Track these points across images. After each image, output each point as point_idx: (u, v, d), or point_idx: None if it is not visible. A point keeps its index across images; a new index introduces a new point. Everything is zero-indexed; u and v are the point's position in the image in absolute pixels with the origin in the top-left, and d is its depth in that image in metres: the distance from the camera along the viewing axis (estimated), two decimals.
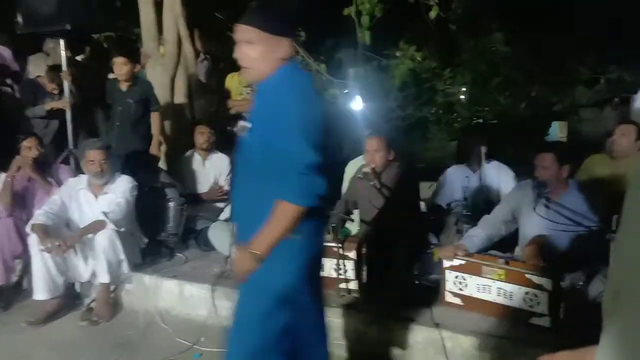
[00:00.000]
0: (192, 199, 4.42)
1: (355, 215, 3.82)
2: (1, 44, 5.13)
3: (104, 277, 3.37)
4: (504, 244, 3.19)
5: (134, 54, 4.82)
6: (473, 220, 3.43)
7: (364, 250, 3.03)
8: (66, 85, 4.46)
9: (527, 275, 2.55)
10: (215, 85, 5.73)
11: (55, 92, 4.66)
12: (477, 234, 3.03)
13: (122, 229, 3.44)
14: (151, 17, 5.42)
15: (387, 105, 10.01)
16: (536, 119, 10.01)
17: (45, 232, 3.30)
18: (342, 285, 3.03)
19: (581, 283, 2.58)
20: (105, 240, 3.33)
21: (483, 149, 3.66)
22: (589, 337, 0.88)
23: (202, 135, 4.60)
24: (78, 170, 4.04)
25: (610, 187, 3.16)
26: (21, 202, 3.85)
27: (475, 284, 2.74)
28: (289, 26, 1.86)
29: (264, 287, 1.74)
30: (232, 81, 5.37)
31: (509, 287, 2.63)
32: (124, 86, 4.49)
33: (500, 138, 8.76)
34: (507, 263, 2.65)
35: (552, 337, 2.42)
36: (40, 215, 3.43)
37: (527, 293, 2.56)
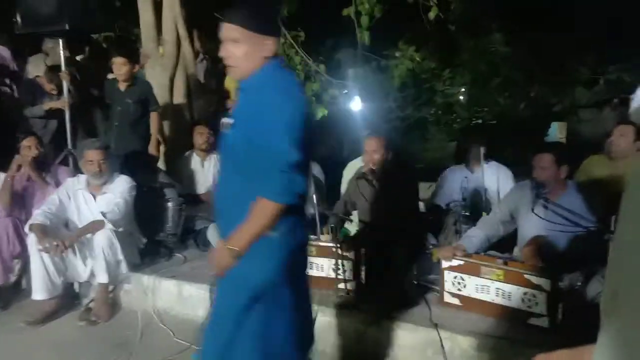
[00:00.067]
0: (191, 199, 4.42)
1: (354, 215, 3.82)
2: (0, 43, 5.12)
3: (102, 277, 3.37)
4: (503, 245, 3.20)
5: (133, 54, 4.82)
6: (472, 220, 3.44)
7: (362, 250, 3.03)
8: (65, 85, 4.45)
9: (525, 276, 2.56)
10: (214, 85, 5.73)
11: (54, 92, 4.66)
12: (476, 235, 3.03)
13: (121, 229, 3.44)
14: (150, 17, 5.42)
15: (386, 105, 10.02)
16: (536, 119, 10.02)
17: (43, 232, 3.30)
18: (341, 286, 3.03)
19: (579, 283, 2.58)
20: (103, 240, 3.33)
21: (482, 150, 3.66)
22: (588, 337, 0.87)
23: (201, 135, 4.60)
24: (77, 170, 4.04)
25: (609, 187, 3.16)
26: (20, 202, 3.85)
27: (473, 284, 2.74)
28: (273, 25, 1.88)
29: (242, 283, 1.76)
30: (231, 81, 5.36)
31: (507, 287, 2.63)
32: (122, 86, 4.49)
33: (500, 138, 8.77)
34: (505, 263, 2.65)
35: (550, 338, 2.42)
36: (38, 215, 3.43)
37: (525, 293, 2.56)
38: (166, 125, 5.40)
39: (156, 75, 5.33)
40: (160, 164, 5.05)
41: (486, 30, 9.95)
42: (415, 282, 2.97)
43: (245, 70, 1.80)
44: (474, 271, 2.73)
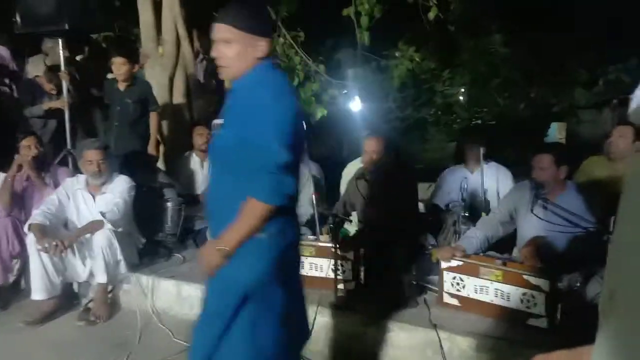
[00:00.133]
0: (190, 199, 4.42)
1: (354, 216, 3.82)
2: (0, 43, 5.12)
3: (101, 277, 3.37)
4: (502, 245, 3.20)
5: (132, 54, 4.82)
6: (471, 221, 3.44)
7: (362, 251, 3.03)
8: (64, 85, 4.45)
9: (524, 277, 2.55)
10: (214, 85, 5.73)
11: (54, 92, 4.66)
12: (475, 235, 3.03)
13: (120, 229, 3.44)
14: (150, 17, 5.42)
15: (385, 106, 10.03)
16: (535, 120, 10.04)
17: (42, 231, 3.29)
18: (340, 286, 3.03)
19: (578, 284, 2.58)
20: (103, 241, 3.33)
21: (481, 150, 3.67)
22: (586, 338, 0.87)
23: (200, 136, 4.59)
24: (76, 170, 4.04)
25: (608, 188, 3.16)
26: (20, 202, 3.85)
27: (472, 285, 2.74)
28: (265, 25, 1.88)
29: (231, 283, 1.76)
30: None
31: (506, 288, 2.63)
32: (122, 86, 4.49)
33: (499, 139, 8.78)
34: (504, 264, 2.65)
35: (549, 338, 2.42)
36: (37, 215, 3.43)
37: (524, 294, 2.56)
38: (166, 125, 5.40)
39: (156, 75, 5.33)
40: (160, 164, 5.05)
41: (486, 30, 9.96)
42: (414, 283, 2.97)
43: (237, 70, 1.80)
44: (472, 272, 2.74)
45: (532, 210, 2.92)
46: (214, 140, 1.86)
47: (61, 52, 4.40)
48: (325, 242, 3.13)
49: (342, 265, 3.06)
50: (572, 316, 2.43)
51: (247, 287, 1.75)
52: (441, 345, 2.53)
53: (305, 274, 3.16)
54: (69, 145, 4.42)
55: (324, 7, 6.59)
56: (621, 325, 0.76)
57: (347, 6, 5.93)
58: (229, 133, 1.78)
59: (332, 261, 3.01)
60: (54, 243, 3.19)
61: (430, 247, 3.13)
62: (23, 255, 3.61)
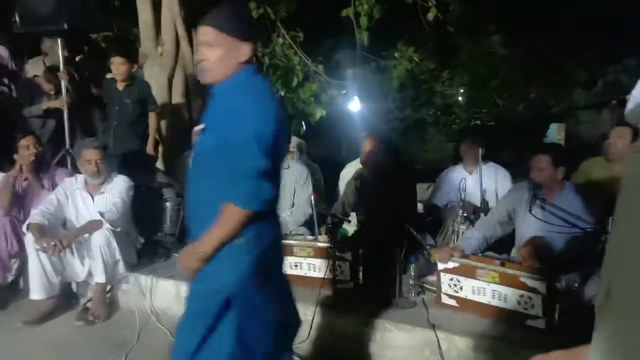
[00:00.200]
0: None
1: (352, 216, 3.82)
2: None
3: (100, 277, 3.37)
4: (501, 245, 3.20)
5: (131, 54, 4.82)
6: (470, 221, 3.44)
7: (360, 251, 3.04)
8: (63, 84, 4.45)
9: (521, 279, 2.55)
10: None
11: (52, 92, 4.66)
12: (474, 236, 3.04)
13: (119, 229, 3.44)
14: (149, 17, 5.43)
15: (385, 106, 10.04)
16: (534, 120, 10.04)
17: (41, 231, 3.29)
18: (339, 286, 3.03)
19: (576, 284, 2.58)
20: (101, 240, 3.33)
21: (480, 151, 3.67)
22: (585, 338, 0.88)
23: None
24: (75, 170, 4.04)
25: (606, 189, 3.16)
26: (18, 202, 3.85)
27: (470, 286, 2.74)
28: (249, 30, 1.87)
29: (211, 287, 1.78)
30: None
31: (503, 289, 2.63)
32: (121, 86, 4.48)
33: (499, 140, 8.78)
34: (503, 264, 2.65)
35: (547, 339, 2.42)
36: (36, 214, 3.43)
37: (521, 296, 2.56)
38: (164, 125, 5.40)
39: (155, 75, 5.33)
40: (159, 164, 5.05)
41: (485, 31, 9.97)
42: (413, 283, 2.97)
43: (219, 74, 1.81)
44: (469, 273, 2.73)
45: (530, 211, 2.93)
46: (195, 145, 1.88)
47: (60, 51, 4.40)
48: (323, 242, 3.13)
49: (339, 267, 3.06)
50: (570, 316, 2.43)
51: (226, 290, 1.77)
52: (439, 346, 2.53)
53: (303, 274, 3.17)
54: (67, 145, 4.42)
55: (323, 7, 6.59)
56: (617, 325, 0.76)
57: (346, 6, 5.94)
58: (210, 138, 1.79)
59: (331, 262, 3.01)
60: (53, 243, 3.19)
61: (429, 247, 3.13)
62: (22, 255, 3.61)
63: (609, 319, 0.78)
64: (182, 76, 5.54)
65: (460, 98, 11.07)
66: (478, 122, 10.80)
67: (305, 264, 3.16)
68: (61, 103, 4.46)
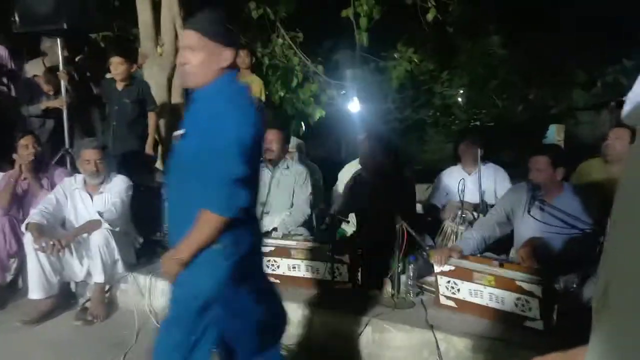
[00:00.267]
0: None
1: (351, 217, 3.82)
2: None
3: (99, 277, 3.37)
4: (500, 246, 3.20)
5: (130, 54, 4.82)
6: (468, 222, 3.44)
7: (359, 251, 3.03)
8: (63, 84, 4.45)
9: (517, 282, 2.54)
10: None
11: (51, 93, 4.66)
12: (472, 236, 3.04)
13: (117, 229, 3.44)
14: (149, 17, 5.43)
15: (384, 107, 10.04)
16: (533, 121, 10.05)
17: (40, 231, 3.29)
18: (337, 287, 3.03)
19: (575, 285, 2.59)
20: (100, 240, 3.32)
21: (479, 151, 3.67)
22: (583, 339, 0.88)
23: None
24: (74, 170, 4.04)
25: (605, 190, 3.16)
26: (18, 201, 3.85)
27: (467, 288, 2.74)
28: (232, 36, 1.89)
29: (190, 292, 1.81)
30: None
31: (500, 292, 2.63)
32: (120, 86, 4.48)
33: (498, 140, 8.78)
34: (501, 265, 2.65)
35: (545, 340, 2.43)
36: (35, 214, 3.43)
37: (518, 299, 2.56)
38: (164, 125, 5.39)
39: (154, 75, 5.33)
40: (158, 164, 5.05)
41: (484, 32, 9.98)
42: (412, 284, 2.97)
43: (200, 78, 1.82)
44: (466, 276, 2.73)
45: (529, 212, 2.93)
46: (175, 150, 1.89)
47: (60, 51, 4.40)
48: (322, 243, 3.13)
49: (337, 268, 3.06)
50: (569, 317, 2.43)
51: (204, 295, 1.80)
52: (438, 346, 2.53)
53: (302, 275, 3.17)
54: (66, 145, 4.42)
55: (322, 7, 6.60)
56: (614, 326, 0.76)
57: (346, 7, 5.94)
58: (190, 143, 1.81)
59: (329, 262, 3.01)
60: (52, 242, 3.19)
61: (427, 247, 3.13)
62: (20, 255, 3.61)
63: (606, 320, 0.79)
64: None
65: (459, 99, 11.08)
66: (477, 122, 10.80)
67: (303, 266, 3.16)
68: (60, 103, 4.46)
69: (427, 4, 5.92)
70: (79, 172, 3.71)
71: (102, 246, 3.32)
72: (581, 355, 0.89)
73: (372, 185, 3.47)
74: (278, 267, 3.21)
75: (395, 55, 7.02)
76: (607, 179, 3.35)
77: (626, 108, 0.81)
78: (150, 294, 3.49)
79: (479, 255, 2.95)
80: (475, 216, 3.58)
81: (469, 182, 3.72)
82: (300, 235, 3.52)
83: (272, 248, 3.19)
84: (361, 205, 3.55)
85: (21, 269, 3.69)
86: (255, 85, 5.32)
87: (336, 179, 4.54)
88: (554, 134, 9.25)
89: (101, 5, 4.85)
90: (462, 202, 3.55)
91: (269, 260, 3.21)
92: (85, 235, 3.40)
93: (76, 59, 5.39)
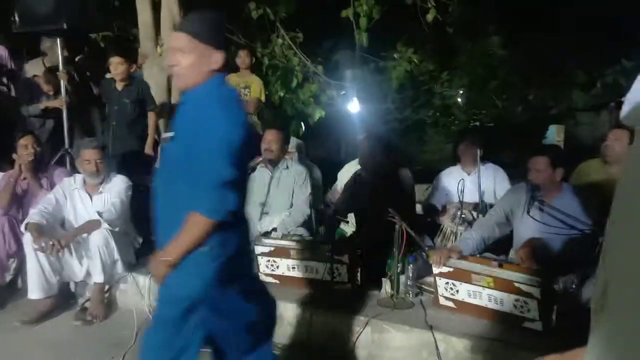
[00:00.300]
0: None
1: (351, 217, 3.82)
2: None
3: (98, 277, 3.37)
4: (499, 247, 3.20)
5: (130, 54, 4.82)
6: (467, 222, 3.44)
7: (358, 252, 3.03)
8: (62, 84, 4.45)
9: (515, 284, 2.54)
10: None
11: (51, 93, 4.66)
12: (472, 237, 3.04)
13: (117, 229, 3.44)
14: (148, 17, 5.42)
15: (384, 107, 10.04)
16: (533, 122, 10.05)
17: (39, 231, 3.29)
18: (336, 288, 3.03)
19: (574, 286, 2.59)
20: (99, 240, 3.32)
21: (479, 152, 3.68)
22: (582, 340, 0.88)
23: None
24: (73, 170, 4.04)
25: (604, 191, 3.16)
26: (17, 201, 3.84)
27: (465, 290, 2.74)
28: (222, 39, 1.90)
29: (176, 292, 1.82)
30: (229, 82, 5.35)
31: (498, 294, 2.63)
32: (120, 86, 4.49)
33: (498, 141, 8.78)
34: (501, 266, 2.65)
35: (544, 340, 2.43)
36: (34, 214, 3.43)
37: (517, 300, 2.56)
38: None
39: (154, 75, 5.33)
40: (158, 164, 5.05)
41: (484, 32, 9.98)
42: (411, 284, 2.97)
43: (190, 80, 1.84)
44: (464, 278, 2.73)
45: (528, 212, 2.93)
46: (164, 152, 1.90)
47: (59, 51, 4.40)
48: (321, 243, 3.13)
49: (337, 268, 3.06)
50: (568, 318, 2.43)
51: (190, 296, 1.80)
52: (437, 347, 2.53)
53: (301, 276, 3.17)
54: (66, 145, 4.42)
55: (322, 8, 6.60)
56: (613, 327, 0.76)
57: (345, 7, 5.94)
58: (178, 146, 1.81)
59: (328, 263, 3.01)
60: (51, 242, 3.19)
61: (427, 248, 3.13)
62: (20, 255, 3.61)
63: (605, 321, 0.79)
64: None
65: (459, 99, 11.08)
66: (477, 123, 10.80)
67: (302, 266, 3.16)
68: (60, 103, 4.46)
69: (427, 4, 5.92)
70: (78, 172, 3.71)
71: (101, 246, 3.32)
72: (580, 356, 0.89)
73: (371, 185, 3.47)
74: (277, 267, 3.21)
75: (395, 56, 7.02)
76: (606, 179, 3.35)
77: (625, 109, 0.81)
78: (150, 294, 3.48)
79: (478, 255, 2.94)
80: (475, 216, 3.58)
81: (468, 183, 3.72)
82: (300, 235, 3.52)
83: (272, 248, 3.20)
84: (361, 205, 3.55)
85: (20, 269, 3.69)
86: (255, 86, 5.32)
87: (336, 179, 4.54)
88: (554, 134, 9.25)
89: (101, 5, 4.85)
90: (461, 202, 3.55)
91: (268, 261, 3.21)
92: (84, 235, 3.39)
93: (76, 59, 5.39)
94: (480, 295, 2.68)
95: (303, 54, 6.43)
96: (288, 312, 2.99)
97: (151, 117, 4.67)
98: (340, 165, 4.61)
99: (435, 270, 2.82)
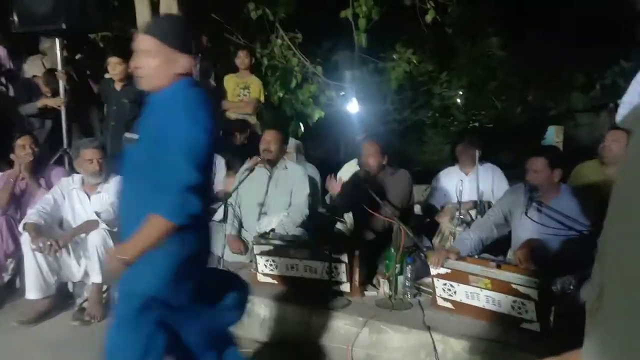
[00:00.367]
0: None
1: (349, 217, 3.82)
2: None
3: (96, 277, 3.37)
4: (497, 247, 3.20)
5: (129, 54, 4.80)
6: (466, 223, 3.45)
7: (356, 252, 3.03)
8: (61, 84, 4.44)
9: (513, 285, 2.54)
10: (211, 86, 5.73)
11: (49, 95, 4.65)
12: (469, 237, 3.04)
13: (115, 229, 3.43)
14: (147, 17, 5.41)
15: (383, 108, 10.05)
16: (532, 123, 10.05)
17: (37, 231, 3.29)
18: (335, 288, 3.03)
19: (572, 287, 2.59)
20: (97, 240, 3.32)
21: (477, 152, 3.68)
22: (580, 341, 0.88)
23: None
24: (72, 170, 4.03)
25: (601, 192, 3.17)
26: (15, 201, 3.84)
27: (463, 291, 2.74)
28: (188, 43, 1.90)
29: (133, 289, 1.82)
30: (228, 82, 5.37)
31: (496, 295, 2.63)
32: (118, 86, 4.49)
33: (497, 142, 8.79)
34: (499, 266, 2.65)
35: (542, 341, 2.43)
36: (32, 214, 3.43)
37: (514, 301, 2.56)
38: None
39: None
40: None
41: (483, 33, 9.98)
42: (409, 285, 2.97)
43: (155, 83, 1.85)
44: (462, 279, 2.73)
45: (526, 213, 2.93)
46: (128, 154, 1.91)
47: (58, 51, 4.40)
48: (320, 243, 3.13)
49: (335, 268, 3.05)
50: (566, 319, 2.43)
51: (145, 293, 1.80)
52: (435, 348, 2.53)
53: (300, 276, 3.17)
54: (65, 145, 4.41)
55: (322, 8, 6.60)
56: (609, 329, 0.76)
57: (344, 8, 5.94)
58: (142, 148, 1.82)
59: (327, 262, 3.01)
60: (49, 242, 3.19)
61: (425, 248, 3.13)
62: (18, 255, 3.61)
63: (600, 323, 0.79)
64: None
65: (458, 100, 11.08)
66: (476, 124, 10.81)
67: (301, 266, 3.15)
68: (57, 102, 4.45)
69: (426, 5, 5.92)
70: (76, 172, 3.70)
71: (99, 246, 3.31)
72: (575, 357, 0.89)
73: (370, 185, 3.47)
74: (276, 267, 3.21)
75: (394, 57, 7.02)
76: (604, 180, 3.35)
77: (620, 112, 0.81)
78: None
79: (476, 256, 2.94)
80: (473, 217, 3.58)
81: (467, 183, 3.73)
82: (299, 235, 3.52)
83: (271, 247, 3.19)
84: (359, 205, 3.55)
85: (18, 269, 3.68)
86: (255, 86, 5.32)
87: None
88: (553, 135, 9.25)
89: (100, 5, 4.84)
90: (459, 203, 3.55)
91: (267, 260, 3.21)
92: (82, 235, 3.39)
93: (76, 57, 5.39)
94: (478, 296, 2.68)
95: (302, 55, 6.43)
96: (287, 312, 2.99)
97: None
98: (339, 166, 4.61)
99: (433, 271, 2.82)
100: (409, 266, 2.96)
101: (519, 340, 2.47)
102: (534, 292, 2.48)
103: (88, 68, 5.38)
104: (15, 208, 3.83)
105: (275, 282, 3.22)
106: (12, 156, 3.81)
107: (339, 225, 3.90)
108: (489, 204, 3.69)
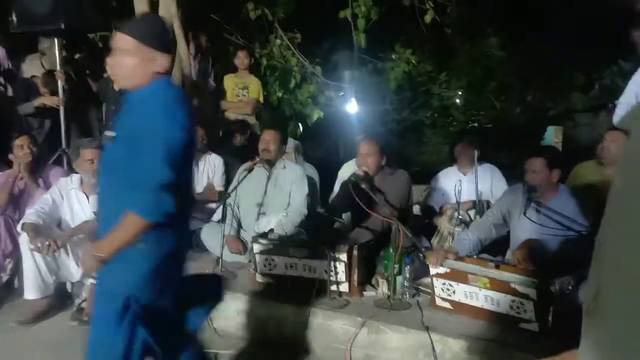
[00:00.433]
0: None
1: (347, 217, 3.82)
2: None
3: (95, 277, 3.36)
4: (496, 248, 3.21)
5: None
6: (465, 223, 3.45)
7: (355, 252, 3.03)
8: (60, 84, 4.44)
9: (512, 285, 2.54)
10: (210, 86, 5.73)
11: (47, 95, 4.65)
12: (468, 237, 3.04)
13: None
14: None
15: (382, 108, 10.05)
16: (531, 123, 10.06)
17: (35, 231, 3.29)
18: (333, 288, 3.03)
19: (570, 287, 2.59)
20: None
21: (476, 152, 3.68)
22: (578, 341, 0.88)
23: (196, 136, 4.58)
24: (70, 170, 4.03)
25: (600, 192, 3.17)
26: (14, 201, 3.84)
27: (462, 291, 2.74)
28: (167, 42, 1.90)
29: (113, 288, 1.83)
30: (228, 82, 5.37)
31: (495, 295, 2.63)
32: (117, 86, 4.47)
33: (496, 142, 8.79)
34: (497, 267, 2.65)
35: (541, 341, 2.43)
36: (31, 214, 3.42)
37: (513, 301, 2.56)
38: None
39: None
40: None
41: (482, 33, 9.99)
42: (408, 285, 2.97)
43: (133, 82, 1.85)
44: (461, 279, 2.73)
45: (525, 213, 2.94)
46: (105, 152, 1.93)
47: (57, 51, 4.40)
48: (320, 243, 3.13)
49: (335, 267, 3.05)
50: (564, 319, 2.43)
51: (125, 293, 1.80)
52: (433, 348, 2.53)
53: (299, 275, 3.17)
54: (63, 145, 4.41)
55: (321, 8, 6.60)
56: (605, 329, 0.76)
57: (344, 8, 5.94)
58: (119, 146, 1.83)
59: (326, 262, 3.01)
60: (47, 242, 3.19)
61: (423, 249, 3.13)
62: (16, 255, 3.60)
63: (597, 323, 0.79)
64: (179, 76, 5.53)
65: (457, 100, 11.09)
66: (475, 124, 10.81)
67: (300, 265, 3.15)
68: (57, 102, 4.44)
69: (425, 5, 5.93)
70: (75, 172, 3.70)
71: None
72: (572, 358, 0.89)
73: (369, 185, 3.47)
74: (275, 266, 3.20)
75: (393, 57, 7.02)
76: (602, 181, 3.36)
77: (618, 112, 0.82)
78: None
79: (475, 256, 2.95)
80: (472, 217, 3.58)
81: (465, 183, 3.73)
82: (297, 235, 3.52)
83: (270, 247, 3.19)
84: (358, 205, 3.55)
85: (17, 269, 3.68)
86: (254, 86, 5.32)
87: (333, 180, 4.54)
88: (552, 135, 9.25)
89: (99, 5, 4.85)
90: (458, 203, 3.55)
91: (266, 259, 3.21)
92: (81, 235, 3.39)
93: (75, 57, 5.39)
94: (477, 296, 2.69)
95: (301, 55, 6.43)
96: (285, 312, 2.99)
97: None
98: (338, 166, 4.62)
99: (432, 271, 2.82)
100: (408, 266, 2.96)
101: (518, 340, 2.48)
102: (532, 292, 2.48)
103: (87, 68, 5.38)
104: (13, 208, 3.83)
105: (274, 281, 3.22)
106: (10, 156, 3.80)
107: (337, 225, 3.91)
108: (488, 204, 3.70)
